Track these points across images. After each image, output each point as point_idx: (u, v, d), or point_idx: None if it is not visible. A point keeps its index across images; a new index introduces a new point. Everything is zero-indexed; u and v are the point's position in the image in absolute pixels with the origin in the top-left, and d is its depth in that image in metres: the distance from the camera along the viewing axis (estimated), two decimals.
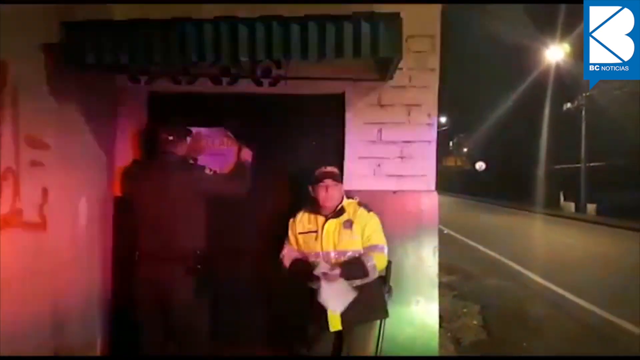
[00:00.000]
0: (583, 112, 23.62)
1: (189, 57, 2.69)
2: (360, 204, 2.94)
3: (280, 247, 2.98)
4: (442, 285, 6.61)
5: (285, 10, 2.70)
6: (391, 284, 3.05)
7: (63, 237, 2.85)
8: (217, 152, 3.51)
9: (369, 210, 2.91)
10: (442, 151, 52.40)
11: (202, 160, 3.35)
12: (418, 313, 3.34)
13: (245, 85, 3.55)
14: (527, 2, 19.91)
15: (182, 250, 2.96)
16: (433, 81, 3.47)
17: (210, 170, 3.13)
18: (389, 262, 2.95)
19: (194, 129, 3.36)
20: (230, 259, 3.41)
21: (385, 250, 2.84)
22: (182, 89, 3.56)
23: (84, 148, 3.13)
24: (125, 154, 3.52)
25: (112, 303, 3.46)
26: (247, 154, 3.35)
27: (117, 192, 3.47)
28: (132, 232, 3.17)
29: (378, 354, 2.86)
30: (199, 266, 2.98)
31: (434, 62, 3.46)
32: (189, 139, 3.25)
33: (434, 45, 3.44)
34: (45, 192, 2.66)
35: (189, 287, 2.96)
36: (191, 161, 3.22)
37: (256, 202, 3.38)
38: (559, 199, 26.06)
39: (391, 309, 3.02)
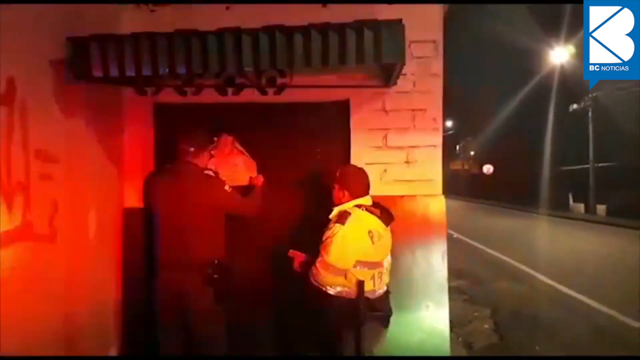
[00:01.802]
0: (590, 113, 23.51)
1: (194, 69, 2.72)
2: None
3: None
4: (451, 290, 6.58)
5: (288, 19, 2.73)
6: (400, 289, 3.05)
7: (73, 249, 2.87)
8: (228, 162, 3.54)
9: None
10: (449, 155, 52.34)
11: (214, 167, 3.37)
12: (428, 318, 3.33)
13: (250, 95, 3.58)
14: (528, 2, 19.91)
15: (201, 260, 2.97)
16: (437, 86, 3.48)
17: (230, 187, 3.14)
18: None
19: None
20: (246, 268, 3.40)
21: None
22: (187, 99, 3.60)
23: (92, 160, 3.16)
24: (134, 165, 3.55)
25: (124, 314, 3.47)
26: (259, 180, 3.37)
27: (129, 203, 3.50)
28: (146, 243, 3.18)
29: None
30: (216, 276, 2.98)
31: (438, 67, 3.47)
32: (210, 149, 3.27)
33: (437, 51, 3.45)
34: (54, 204, 2.69)
35: (208, 297, 2.96)
36: (212, 173, 3.23)
37: (266, 211, 3.38)
38: (567, 201, 25.88)
39: (401, 314, 3.01)
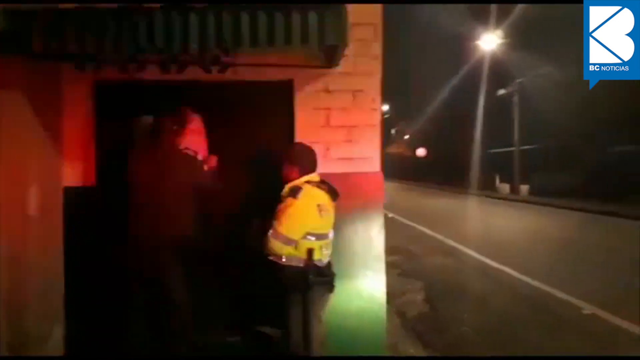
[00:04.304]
0: (515, 98, 24.91)
1: (139, 46, 2.72)
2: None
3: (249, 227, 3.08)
4: (386, 265, 6.94)
5: None
6: (341, 260, 3.26)
7: (13, 224, 2.83)
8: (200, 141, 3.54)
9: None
10: (385, 138, 53.61)
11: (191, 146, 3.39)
12: (367, 287, 3.55)
13: (193, 73, 3.58)
14: (524, 2, 20.50)
15: (175, 234, 3.09)
16: (376, 68, 3.65)
17: (201, 157, 3.29)
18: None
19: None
20: (209, 241, 3.45)
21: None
22: (129, 76, 3.55)
23: (31, 136, 3.08)
24: (73, 143, 3.49)
25: (67, 292, 3.44)
26: (212, 161, 3.43)
27: (69, 182, 3.45)
28: (89, 220, 3.18)
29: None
30: (188, 250, 3.11)
31: (377, 49, 3.64)
32: (187, 128, 3.33)
33: (376, 33, 3.62)
34: None
35: (178, 269, 3.10)
36: (191, 153, 3.30)
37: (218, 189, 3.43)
38: (494, 181, 27.46)
39: (342, 283, 3.22)
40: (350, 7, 2.82)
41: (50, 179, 3.34)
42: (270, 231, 2.85)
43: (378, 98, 3.68)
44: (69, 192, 3.47)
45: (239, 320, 3.53)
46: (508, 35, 24.78)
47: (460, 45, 28.98)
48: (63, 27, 2.66)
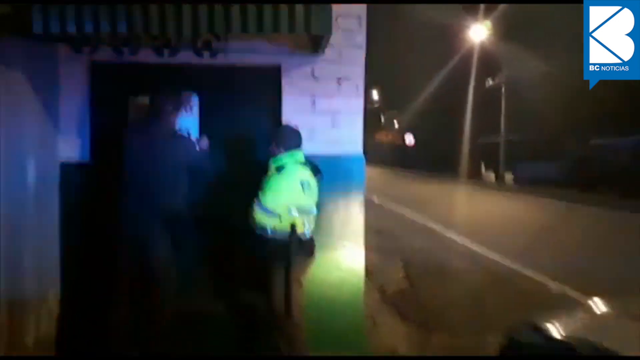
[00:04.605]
0: (503, 89, 25.25)
1: (135, 31, 2.91)
2: None
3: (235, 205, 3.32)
4: (369, 245, 7.25)
5: None
6: (323, 234, 3.53)
7: (14, 195, 3.02)
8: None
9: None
10: (375, 126, 53.84)
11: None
12: (346, 259, 3.79)
13: (186, 57, 3.77)
14: (523, 2, 20.64)
15: (170, 210, 3.32)
16: (360, 57, 3.86)
17: (194, 138, 3.51)
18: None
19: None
20: (199, 216, 3.63)
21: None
22: (124, 59, 3.73)
23: (29, 112, 3.26)
24: (70, 120, 3.67)
25: (62, 261, 3.65)
26: (204, 142, 3.59)
27: (65, 158, 3.64)
28: (84, 194, 3.38)
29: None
30: (180, 223, 3.35)
31: (361, 39, 3.84)
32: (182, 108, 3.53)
33: (360, 25, 3.81)
34: None
35: (169, 241, 3.33)
36: (185, 134, 3.52)
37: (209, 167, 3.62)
38: (480, 170, 27.92)
39: (323, 255, 3.48)
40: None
41: (47, 153, 3.52)
42: (255, 202, 3.10)
43: (361, 85, 3.89)
44: (64, 166, 3.66)
45: (224, 289, 3.76)
46: (497, 27, 25.02)
47: (450, 36, 29.13)
48: (63, 11, 2.83)
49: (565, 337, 1.63)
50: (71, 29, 2.88)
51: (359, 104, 3.93)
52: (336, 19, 3.56)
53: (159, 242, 3.31)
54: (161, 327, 3.37)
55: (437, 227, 10.40)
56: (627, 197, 15.50)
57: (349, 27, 3.80)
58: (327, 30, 3.06)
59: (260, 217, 3.10)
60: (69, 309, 3.64)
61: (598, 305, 1.87)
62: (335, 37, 3.56)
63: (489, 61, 26.07)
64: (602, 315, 1.81)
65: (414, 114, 40.80)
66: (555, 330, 1.65)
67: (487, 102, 27.08)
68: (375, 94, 53.90)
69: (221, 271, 3.74)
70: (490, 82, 26.70)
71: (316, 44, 3.57)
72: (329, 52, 3.72)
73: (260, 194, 3.12)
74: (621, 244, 8.44)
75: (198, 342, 3.57)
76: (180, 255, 3.41)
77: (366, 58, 3.89)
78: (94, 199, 3.64)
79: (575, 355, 1.31)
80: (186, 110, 3.60)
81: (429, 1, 23.71)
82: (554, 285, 5.89)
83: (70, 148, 3.68)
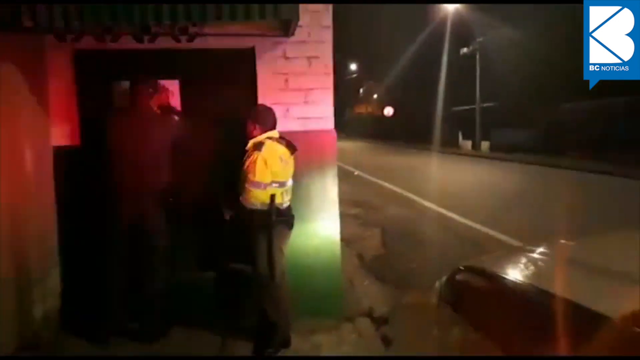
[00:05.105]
0: (477, 57, 25.58)
1: (118, 21, 3.14)
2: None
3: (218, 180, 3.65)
4: (349, 216, 7.72)
5: None
6: (301, 204, 3.85)
7: (14, 180, 3.28)
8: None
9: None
10: (353, 98, 53.97)
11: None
12: (323, 227, 4.14)
13: (164, 42, 3.98)
14: (523, 2, 20.66)
15: (158, 186, 3.63)
16: (328, 36, 4.12)
17: (176, 116, 3.82)
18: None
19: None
20: (185, 189, 3.92)
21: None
22: (106, 46, 3.93)
23: (22, 102, 3.49)
24: (59, 106, 3.89)
25: (60, 242, 3.93)
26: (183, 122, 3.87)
27: (56, 142, 3.88)
28: (78, 176, 3.66)
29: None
30: (171, 199, 3.67)
31: (328, 20, 4.10)
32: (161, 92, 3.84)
33: (327, 6, 4.07)
34: None
35: (161, 217, 3.66)
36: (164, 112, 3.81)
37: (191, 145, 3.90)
38: (458, 138, 28.44)
39: (302, 224, 3.82)
40: None
41: (41, 138, 3.76)
42: (246, 184, 3.36)
43: (330, 63, 4.17)
44: (57, 150, 3.90)
45: (212, 259, 4.09)
46: None
47: (425, 5, 29.22)
48: (50, 5, 3.05)
49: (498, 275, 1.95)
50: (59, 22, 3.10)
51: (328, 81, 4.21)
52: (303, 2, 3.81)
53: (151, 213, 3.62)
54: (154, 295, 3.70)
55: (413, 196, 10.84)
56: (598, 160, 16.17)
57: (316, 9, 4.05)
58: (295, 15, 3.33)
59: (253, 193, 3.36)
60: (70, 286, 3.95)
61: (535, 251, 2.18)
62: (304, 19, 3.81)
63: (463, 30, 26.31)
64: (537, 259, 2.12)
65: (392, 84, 41.04)
66: (489, 270, 1.99)
67: (462, 70, 27.43)
68: (353, 66, 53.87)
69: (209, 241, 4.06)
70: (464, 49, 26.98)
71: (286, 27, 3.82)
72: (298, 33, 3.98)
73: (247, 174, 3.37)
74: (578, 202, 8.99)
75: (189, 307, 3.90)
76: (170, 225, 3.73)
77: (335, 36, 4.16)
78: (85, 178, 3.90)
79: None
80: (164, 93, 3.87)
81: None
82: (515, 243, 6.36)
83: (62, 132, 3.91)
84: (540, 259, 2.00)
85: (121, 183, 3.61)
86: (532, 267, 1.94)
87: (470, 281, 1.97)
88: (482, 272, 1.95)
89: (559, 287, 1.60)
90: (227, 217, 3.59)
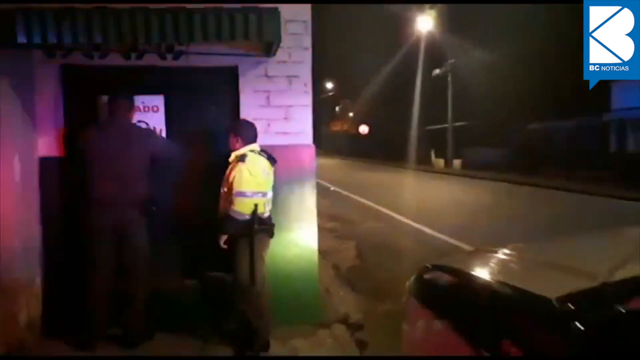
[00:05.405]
0: (449, 78, 26.40)
1: (109, 41, 3.34)
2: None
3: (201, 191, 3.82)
4: (325, 230, 7.94)
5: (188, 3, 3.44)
6: (281, 215, 4.05)
7: (4, 190, 3.39)
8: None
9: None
10: (329, 116, 54.64)
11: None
12: (301, 237, 4.33)
13: (151, 59, 4.17)
14: (523, 2, 21.34)
15: (139, 197, 3.74)
16: (307, 57, 4.37)
17: (155, 129, 4.02)
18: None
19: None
20: (169, 199, 4.07)
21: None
22: (94, 62, 4.10)
23: (9, 113, 3.61)
24: (46, 119, 4.03)
25: (45, 252, 4.03)
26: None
27: (43, 153, 4.01)
28: (63, 187, 3.79)
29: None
30: (154, 208, 3.78)
31: (307, 42, 4.35)
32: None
33: (306, 29, 4.32)
34: None
35: (144, 226, 3.79)
36: (144, 125, 3.99)
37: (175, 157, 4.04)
38: (430, 157, 29.09)
39: (281, 233, 4.01)
40: (284, 7, 3.54)
41: (27, 149, 3.88)
42: (234, 195, 3.52)
43: (309, 82, 4.41)
44: (43, 162, 4.02)
45: (195, 267, 4.24)
46: (442, 17, 26.10)
47: (400, 26, 30.07)
48: (44, 24, 3.22)
49: (462, 270, 2.18)
50: (52, 39, 3.28)
51: (308, 99, 4.45)
52: (285, 25, 4.07)
53: (134, 222, 3.75)
54: (138, 303, 3.81)
55: (387, 211, 11.13)
56: (570, 178, 16.86)
57: (297, 31, 4.31)
58: (277, 37, 3.58)
59: (241, 203, 3.52)
60: (52, 293, 4.03)
61: (492, 251, 2.41)
62: (285, 41, 4.06)
63: (435, 51, 27.16)
64: (494, 258, 2.35)
65: (367, 103, 41.75)
66: (455, 266, 2.24)
67: (434, 90, 28.22)
68: (329, 84, 54.62)
69: (191, 250, 4.22)
70: (437, 70, 27.81)
71: (268, 47, 4.06)
72: (279, 53, 4.22)
73: (233, 187, 3.54)
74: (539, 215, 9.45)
75: (173, 314, 4.03)
76: (153, 234, 3.87)
77: (313, 56, 4.42)
78: (71, 190, 4.01)
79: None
80: (143, 107, 4.08)
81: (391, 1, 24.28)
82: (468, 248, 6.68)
83: (48, 144, 4.04)
84: (497, 258, 2.25)
85: (103, 193, 3.71)
86: (490, 264, 2.19)
87: (437, 277, 2.20)
88: (448, 269, 2.18)
89: (511, 278, 1.86)
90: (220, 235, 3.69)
